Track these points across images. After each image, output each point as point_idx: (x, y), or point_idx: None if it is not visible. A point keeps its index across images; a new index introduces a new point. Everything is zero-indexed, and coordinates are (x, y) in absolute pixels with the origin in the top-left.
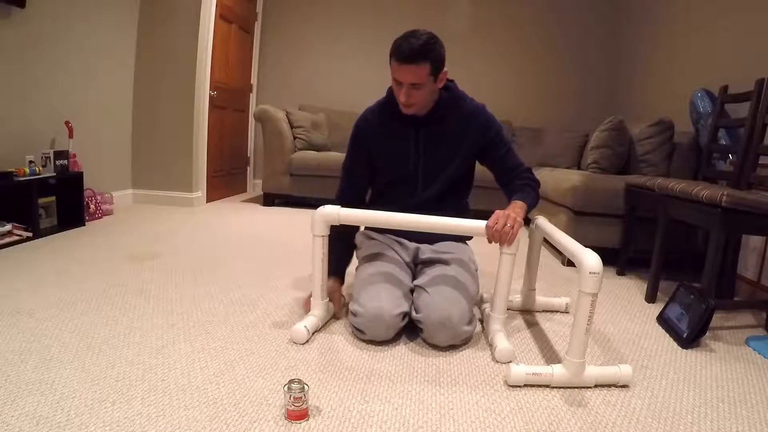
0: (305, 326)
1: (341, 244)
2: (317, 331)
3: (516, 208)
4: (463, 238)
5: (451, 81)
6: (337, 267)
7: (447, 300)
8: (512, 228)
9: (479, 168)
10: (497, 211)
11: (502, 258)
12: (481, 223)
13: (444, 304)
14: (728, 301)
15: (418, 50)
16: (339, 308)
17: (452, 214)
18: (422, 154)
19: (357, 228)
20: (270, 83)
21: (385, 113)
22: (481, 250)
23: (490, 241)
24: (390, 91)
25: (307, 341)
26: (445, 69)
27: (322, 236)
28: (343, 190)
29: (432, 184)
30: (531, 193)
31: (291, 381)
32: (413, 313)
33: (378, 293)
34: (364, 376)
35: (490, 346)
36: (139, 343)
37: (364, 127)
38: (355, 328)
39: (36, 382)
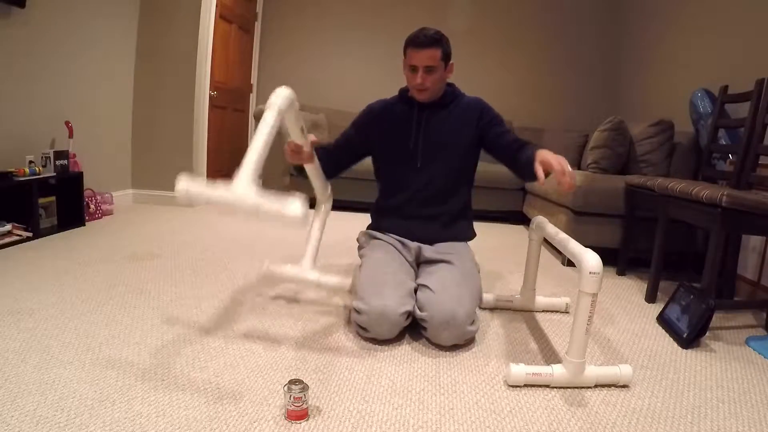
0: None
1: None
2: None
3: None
4: (463, 239)
5: (452, 84)
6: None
7: (452, 299)
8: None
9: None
10: (543, 153)
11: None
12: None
13: (449, 303)
14: (728, 301)
15: (431, 37)
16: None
17: (455, 207)
18: (422, 132)
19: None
20: (270, 83)
21: (397, 104)
22: (481, 250)
23: (554, 178)
24: (401, 92)
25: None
26: (452, 62)
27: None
28: (333, 144)
29: (431, 163)
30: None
31: (291, 381)
32: (417, 312)
33: (382, 291)
34: (364, 376)
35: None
36: (139, 343)
37: (377, 109)
38: (358, 326)
39: (36, 382)
